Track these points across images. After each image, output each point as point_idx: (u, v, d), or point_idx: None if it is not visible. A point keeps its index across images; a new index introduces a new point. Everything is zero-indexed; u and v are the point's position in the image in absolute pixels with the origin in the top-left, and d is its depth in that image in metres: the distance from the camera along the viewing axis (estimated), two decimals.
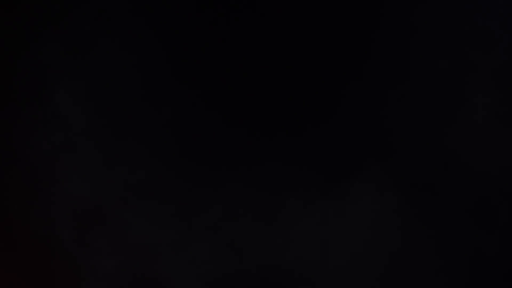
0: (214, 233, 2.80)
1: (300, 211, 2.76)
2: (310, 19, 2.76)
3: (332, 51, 2.75)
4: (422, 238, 2.70)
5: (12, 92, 2.90)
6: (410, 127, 2.73)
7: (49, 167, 2.86)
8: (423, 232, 2.70)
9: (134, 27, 2.86)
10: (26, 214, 2.86)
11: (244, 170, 2.79)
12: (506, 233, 2.66)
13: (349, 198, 2.74)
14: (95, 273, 2.78)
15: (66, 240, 2.81)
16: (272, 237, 2.77)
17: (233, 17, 2.79)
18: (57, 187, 2.85)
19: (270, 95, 2.77)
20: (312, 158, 2.76)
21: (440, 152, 2.72)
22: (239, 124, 2.77)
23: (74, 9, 2.80)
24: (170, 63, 2.85)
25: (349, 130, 2.73)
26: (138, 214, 2.80)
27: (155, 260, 2.77)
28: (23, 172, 2.85)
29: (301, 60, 2.77)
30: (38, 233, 2.83)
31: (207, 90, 2.79)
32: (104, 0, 2.91)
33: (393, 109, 2.74)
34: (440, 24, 2.75)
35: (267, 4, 2.78)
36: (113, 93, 2.86)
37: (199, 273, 2.79)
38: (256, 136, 2.76)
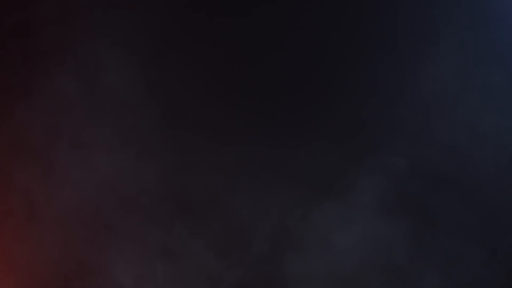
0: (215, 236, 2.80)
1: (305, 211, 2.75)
2: (314, 14, 2.72)
3: (333, 48, 2.71)
4: (426, 247, 2.68)
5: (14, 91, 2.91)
6: (413, 129, 2.69)
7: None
8: (427, 245, 2.68)
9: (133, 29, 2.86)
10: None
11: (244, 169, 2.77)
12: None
13: (350, 206, 2.72)
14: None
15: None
16: (275, 241, 2.75)
17: (233, 15, 2.76)
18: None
19: (270, 94, 2.73)
20: (313, 158, 2.73)
21: (445, 160, 2.68)
22: (242, 128, 2.74)
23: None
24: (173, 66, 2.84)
25: (349, 130, 2.69)
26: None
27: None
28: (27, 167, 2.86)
29: (304, 55, 2.72)
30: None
31: (209, 90, 2.76)
32: (104, 14, 2.90)
33: (395, 111, 2.70)
34: (441, 24, 2.72)
35: (267, 2, 2.75)
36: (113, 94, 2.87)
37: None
38: (256, 139, 2.74)
